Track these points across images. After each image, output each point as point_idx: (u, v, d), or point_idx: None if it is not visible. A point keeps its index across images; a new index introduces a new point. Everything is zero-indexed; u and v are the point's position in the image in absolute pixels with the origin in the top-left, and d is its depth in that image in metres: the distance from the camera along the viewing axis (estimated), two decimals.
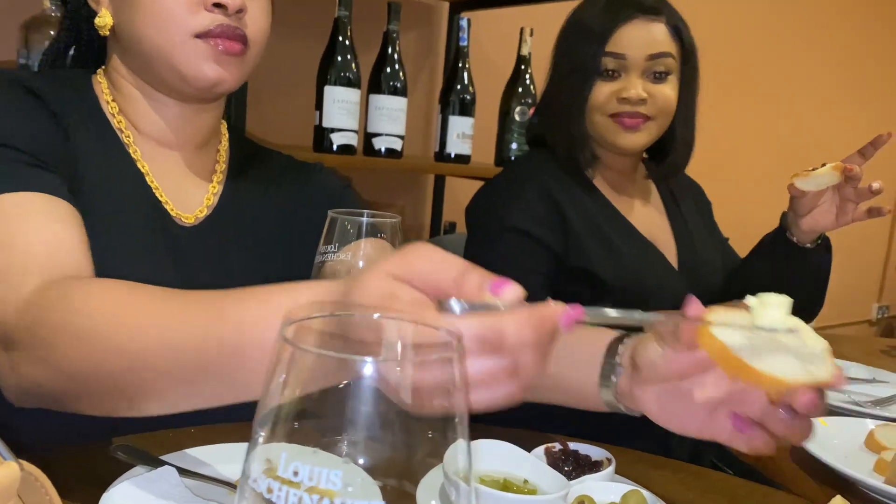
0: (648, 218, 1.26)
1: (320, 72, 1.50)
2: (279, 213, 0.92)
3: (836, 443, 0.83)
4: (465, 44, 1.75)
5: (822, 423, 0.87)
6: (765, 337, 0.49)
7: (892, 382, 1.15)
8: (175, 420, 0.85)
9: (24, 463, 0.37)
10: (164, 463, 0.65)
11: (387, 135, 1.59)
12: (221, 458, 0.69)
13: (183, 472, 0.63)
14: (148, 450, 0.67)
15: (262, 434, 0.31)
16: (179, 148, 0.86)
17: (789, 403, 0.51)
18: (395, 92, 1.59)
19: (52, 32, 1.19)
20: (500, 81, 1.86)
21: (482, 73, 1.81)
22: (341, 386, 0.31)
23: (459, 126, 1.75)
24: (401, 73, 1.60)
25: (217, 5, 0.76)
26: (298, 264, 0.87)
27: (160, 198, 0.83)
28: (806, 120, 3.28)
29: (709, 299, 1.24)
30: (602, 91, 1.16)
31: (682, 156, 1.25)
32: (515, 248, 1.15)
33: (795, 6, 3.09)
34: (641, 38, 1.14)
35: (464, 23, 1.75)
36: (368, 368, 0.30)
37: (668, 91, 1.17)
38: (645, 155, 1.31)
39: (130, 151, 0.83)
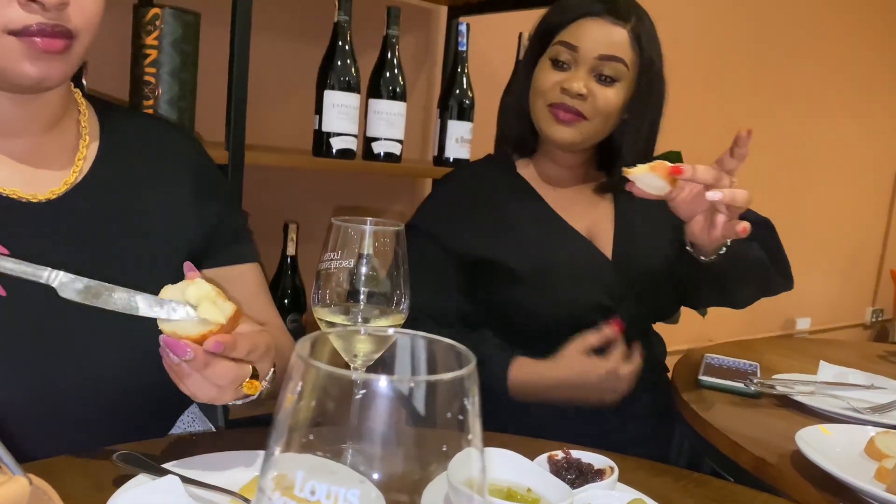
0: (590, 211, 1.26)
1: (320, 76, 1.50)
2: (150, 186, 0.85)
3: (838, 451, 0.83)
4: (465, 48, 1.75)
5: (823, 432, 0.87)
6: None
7: (889, 388, 1.15)
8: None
9: (33, 477, 0.36)
10: (166, 471, 0.65)
11: (386, 139, 1.59)
12: (223, 465, 0.69)
13: (185, 480, 0.63)
14: (149, 457, 0.67)
15: (278, 447, 0.31)
16: (22, 135, 0.77)
17: None
18: (394, 96, 1.59)
19: None
20: (498, 86, 1.86)
21: (481, 78, 1.81)
22: (356, 398, 0.31)
23: (458, 130, 1.75)
24: (400, 78, 1.60)
25: (32, 0, 0.67)
26: (168, 237, 0.84)
27: None
28: (802, 125, 3.29)
29: (647, 287, 1.22)
30: (549, 78, 1.16)
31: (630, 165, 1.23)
32: (414, 246, 1.17)
33: (794, 14, 3.10)
34: (597, 36, 1.14)
35: (463, 28, 1.75)
36: (382, 383, 0.30)
37: (611, 95, 1.15)
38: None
39: None
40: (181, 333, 0.61)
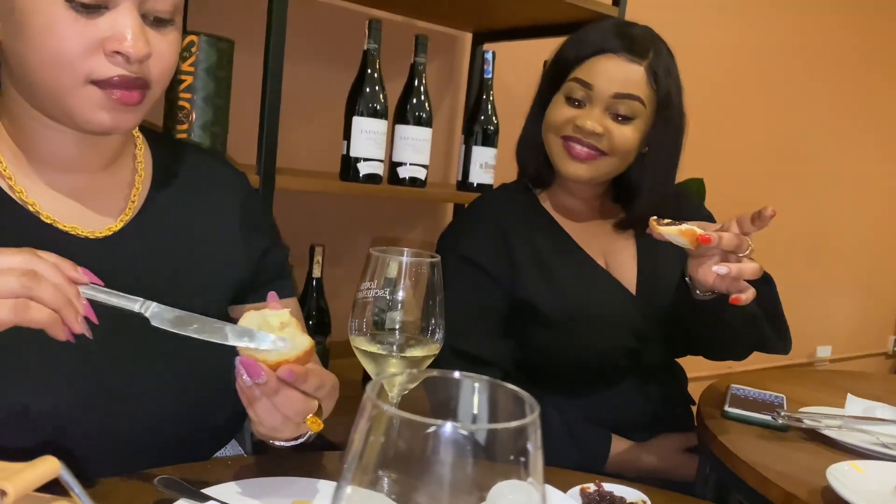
0: (610, 244, 1.24)
1: (349, 102, 1.53)
2: (201, 220, 0.87)
3: (872, 489, 0.82)
4: (490, 76, 1.78)
5: (855, 468, 0.87)
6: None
7: None
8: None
9: None
10: (207, 497, 0.66)
11: (411, 164, 1.61)
12: (262, 491, 0.70)
13: None
14: (189, 482, 0.68)
15: (348, 484, 0.32)
16: (79, 171, 0.80)
17: None
18: (419, 122, 1.62)
19: None
20: (522, 113, 1.88)
21: (505, 104, 1.84)
22: (422, 442, 0.32)
23: (482, 156, 1.77)
24: (426, 104, 1.62)
25: (119, 53, 0.70)
26: (217, 271, 0.86)
27: (59, 226, 0.76)
28: (821, 147, 3.28)
29: (671, 324, 1.21)
30: (563, 114, 1.15)
31: (647, 204, 1.19)
32: (469, 279, 1.16)
33: (812, 35, 3.11)
34: (613, 74, 1.12)
35: (489, 55, 1.77)
36: (448, 429, 0.31)
37: (628, 132, 1.14)
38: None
39: (8, 185, 0.76)
40: (258, 357, 0.63)
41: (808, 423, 1.09)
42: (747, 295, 0.94)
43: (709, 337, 1.15)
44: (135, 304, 0.64)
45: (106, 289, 0.64)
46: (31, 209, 0.76)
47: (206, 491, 0.67)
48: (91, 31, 0.69)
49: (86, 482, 0.69)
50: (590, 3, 1.69)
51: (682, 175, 1.31)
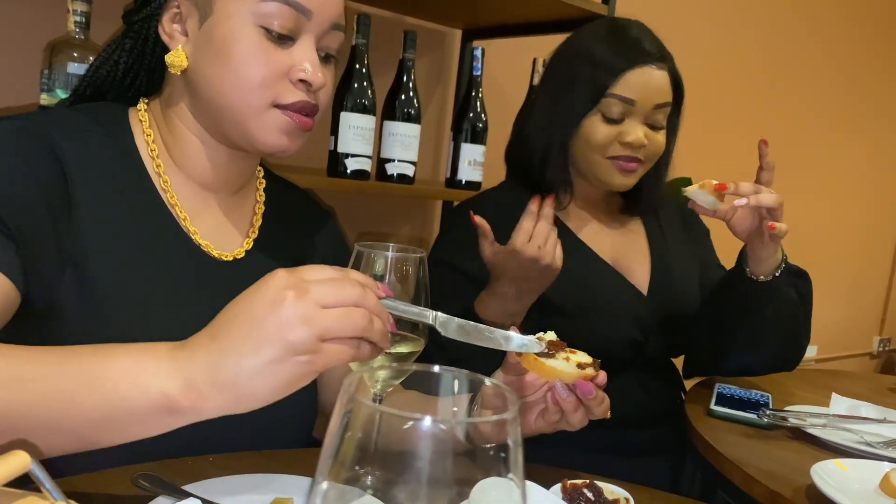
0: (619, 244, 1.25)
1: (336, 98, 1.51)
2: (300, 253, 0.93)
3: (855, 487, 0.83)
4: (479, 73, 1.77)
5: (839, 466, 0.87)
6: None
7: None
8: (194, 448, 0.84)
9: (73, 503, 0.37)
10: (186, 493, 0.65)
11: (400, 160, 1.61)
12: (242, 487, 0.69)
13: (206, 502, 0.63)
14: (169, 478, 0.67)
15: (324, 478, 0.32)
16: (219, 190, 0.86)
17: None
18: (408, 119, 1.61)
19: (74, 55, 1.20)
20: (512, 110, 1.87)
21: (494, 102, 1.83)
22: (401, 436, 0.31)
23: (471, 153, 1.76)
24: (415, 101, 1.62)
25: (303, 81, 0.77)
26: None
27: (198, 241, 0.82)
28: (808, 147, 3.30)
29: (680, 326, 1.22)
30: (602, 132, 1.14)
31: (657, 193, 1.26)
32: (440, 280, 1.15)
33: (803, 35, 3.13)
34: (651, 86, 1.13)
35: (478, 52, 1.77)
36: (427, 423, 0.31)
37: (661, 139, 1.18)
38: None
39: (167, 198, 0.82)
40: (565, 378, 0.71)
41: (793, 421, 1.09)
42: (781, 227, 1.02)
43: (749, 328, 1.15)
44: (427, 316, 0.66)
45: (402, 302, 0.65)
46: (176, 212, 0.81)
47: (186, 487, 0.66)
48: (281, 60, 0.76)
49: (57, 477, 0.68)
50: (579, 1, 1.68)
51: (669, 174, 1.31)
